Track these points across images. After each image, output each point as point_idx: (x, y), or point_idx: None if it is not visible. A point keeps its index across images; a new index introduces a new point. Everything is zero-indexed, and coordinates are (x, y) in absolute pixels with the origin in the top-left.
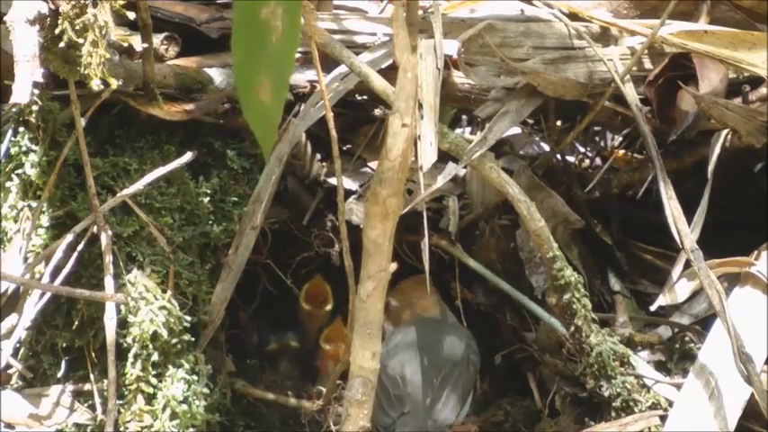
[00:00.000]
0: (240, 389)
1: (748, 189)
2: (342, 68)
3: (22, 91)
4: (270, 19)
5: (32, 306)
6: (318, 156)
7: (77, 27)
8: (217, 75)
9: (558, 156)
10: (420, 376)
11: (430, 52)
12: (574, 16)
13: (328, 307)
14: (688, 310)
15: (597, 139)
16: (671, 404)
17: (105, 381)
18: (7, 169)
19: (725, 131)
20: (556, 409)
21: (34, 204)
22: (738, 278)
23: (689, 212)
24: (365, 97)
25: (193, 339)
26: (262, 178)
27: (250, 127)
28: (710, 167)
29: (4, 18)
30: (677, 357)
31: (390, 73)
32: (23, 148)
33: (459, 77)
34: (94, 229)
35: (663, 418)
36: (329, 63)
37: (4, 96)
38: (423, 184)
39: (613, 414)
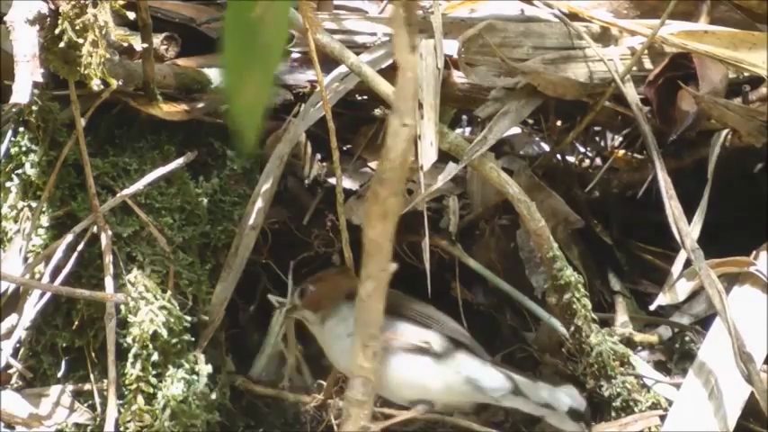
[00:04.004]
0: (240, 385)
1: (748, 189)
2: (342, 68)
3: (22, 91)
4: (261, 17)
5: (32, 306)
6: (318, 156)
7: (77, 27)
8: (217, 75)
9: (558, 156)
10: None
11: (430, 52)
12: (574, 16)
13: None
14: (688, 310)
15: (597, 139)
16: (671, 404)
17: (105, 381)
18: (7, 169)
19: (725, 131)
20: None
21: (34, 204)
22: (738, 278)
23: (689, 212)
24: (365, 97)
25: (193, 339)
26: (262, 178)
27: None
28: (710, 167)
29: (4, 18)
30: (677, 357)
31: (390, 73)
32: (23, 148)
33: (459, 77)
34: (94, 229)
35: (663, 418)
36: (329, 63)
37: (4, 96)
38: (423, 184)
39: (613, 414)
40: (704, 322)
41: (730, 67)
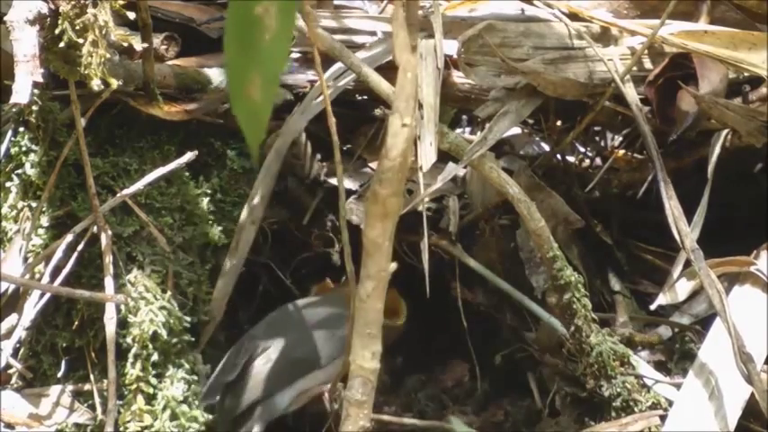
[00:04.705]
0: None
1: (748, 189)
2: (339, 65)
3: (22, 91)
4: (263, 17)
5: (32, 306)
6: (318, 156)
7: (77, 27)
8: (217, 75)
9: (558, 156)
10: None
11: (430, 52)
12: (574, 16)
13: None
14: (688, 310)
15: (597, 139)
16: (671, 404)
17: (105, 381)
18: (7, 169)
19: (725, 131)
20: (556, 409)
21: (34, 204)
22: (738, 278)
23: (689, 212)
24: (365, 97)
25: (193, 339)
26: (261, 172)
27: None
28: (710, 167)
29: (4, 18)
30: (677, 357)
31: (390, 73)
32: (23, 148)
33: (459, 77)
34: (94, 229)
35: (663, 418)
36: (330, 63)
37: (4, 96)
38: (423, 184)
39: (613, 414)
40: (704, 322)
41: (730, 67)
